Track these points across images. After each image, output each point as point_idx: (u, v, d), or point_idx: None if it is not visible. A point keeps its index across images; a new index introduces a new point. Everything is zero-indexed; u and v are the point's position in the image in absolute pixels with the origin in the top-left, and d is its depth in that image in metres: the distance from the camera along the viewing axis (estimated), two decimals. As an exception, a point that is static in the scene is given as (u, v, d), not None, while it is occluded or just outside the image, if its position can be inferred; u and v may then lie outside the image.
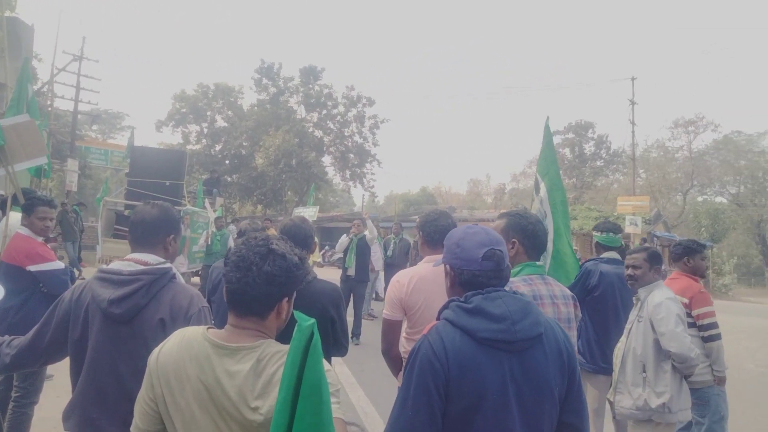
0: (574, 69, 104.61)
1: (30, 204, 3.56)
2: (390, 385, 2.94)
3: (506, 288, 1.65)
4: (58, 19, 41.80)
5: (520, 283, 2.28)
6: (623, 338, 3.33)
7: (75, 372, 1.92)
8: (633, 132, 27.99)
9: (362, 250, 8.21)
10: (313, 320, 1.07)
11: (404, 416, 1.49)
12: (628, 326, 3.32)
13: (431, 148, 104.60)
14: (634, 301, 3.36)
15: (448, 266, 1.70)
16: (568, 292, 2.47)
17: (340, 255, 8.83)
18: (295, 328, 1.06)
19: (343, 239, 8.52)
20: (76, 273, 11.94)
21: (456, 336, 1.51)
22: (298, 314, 1.09)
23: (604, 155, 39.85)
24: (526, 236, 2.39)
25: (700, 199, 40.32)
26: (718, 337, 3.53)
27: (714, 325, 3.54)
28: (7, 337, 1.98)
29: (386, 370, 2.81)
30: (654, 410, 3.04)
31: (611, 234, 4.20)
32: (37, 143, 4.43)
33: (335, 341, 2.56)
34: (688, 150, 38.05)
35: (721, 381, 3.53)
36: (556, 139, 37.44)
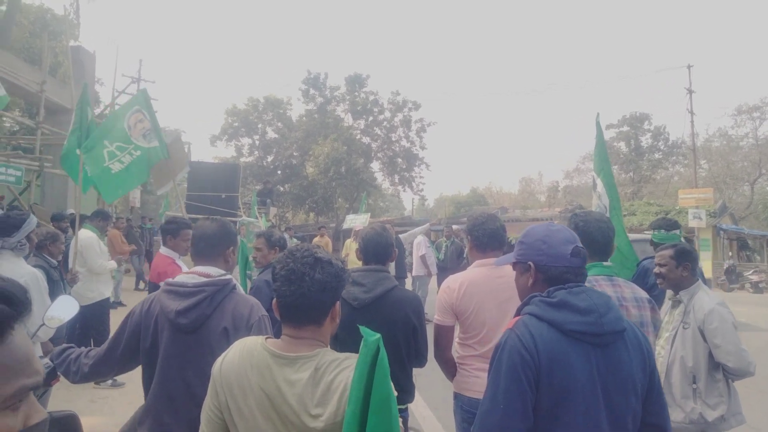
0: (625, 60, 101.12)
1: (176, 227, 3.88)
2: (446, 388, 2.95)
3: None
4: (116, 46, 43.98)
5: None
6: (663, 345, 3.10)
7: (147, 379, 2.04)
8: (692, 122, 26.73)
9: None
10: (378, 335, 1.10)
11: (496, 410, 1.49)
12: (668, 332, 3.10)
13: (480, 149, 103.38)
14: (673, 303, 3.19)
15: (531, 263, 1.69)
16: (643, 294, 2.39)
17: None
18: (362, 343, 1.10)
19: None
20: (142, 285, 12.54)
21: (543, 329, 1.52)
22: (363, 329, 1.13)
23: (662, 147, 38.20)
24: (582, 237, 2.35)
25: (769, 188, 37.97)
26: None
27: None
28: (84, 348, 2.12)
29: (442, 372, 2.82)
30: (710, 424, 2.85)
31: (662, 231, 4.06)
32: (182, 157, 4.94)
33: (416, 351, 2.54)
34: (754, 137, 35.86)
35: None
36: (610, 133, 36.24)
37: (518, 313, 1.65)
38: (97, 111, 20.63)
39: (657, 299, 3.73)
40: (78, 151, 5.06)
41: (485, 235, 2.72)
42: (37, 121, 13.33)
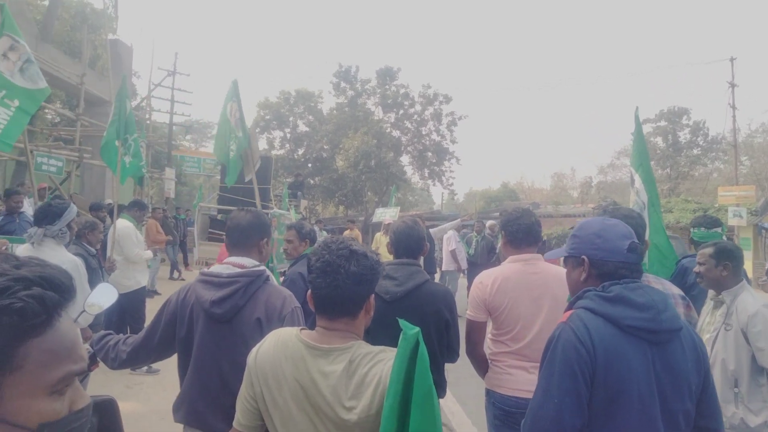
0: (662, 52, 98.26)
1: None
2: (477, 384, 2.92)
3: None
4: (153, 39, 44.93)
5: None
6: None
7: (182, 368, 2.07)
8: (734, 116, 25.80)
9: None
10: (417, 329, 1.09)
11: (549, 403, 1.47)
12: (709, 334, 2.99)
13: (511, 143, 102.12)
14: (714, 304, 3.07)
15: (584, 257, 1.66)
16: (675, 290, 2.34)
17: None
18: (401, 336, 1.09)
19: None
20: (176, 275, 12.82)
21: (599, 323, 1.50)
22: (402, 323, 1.12)
23: (701, 143, 37.02)
24: None
25: (815, 186, 36.44)
26: None
27: None
28: (122, 336, 2.17)
29: (472, 368, 2.79)
30: (753, 430, 2.74)
31: (702, 229, 3.93)
32: (256, 147, 5.44)
33: (448, 346, 2.50)
34: (800, 133, 34.51)
35: None
36: (647, 128, 35.23)
37: (570, 308, 1.62)
38: (134, 103, 21.14)
39: (697, 299, 3.61)
40: (117, 142, 5.20)
41: (520, 231, 2.68)
42: (77, 112, 13.73)
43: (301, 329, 1.51)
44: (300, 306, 2.02)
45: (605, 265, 1.61)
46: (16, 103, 4.08)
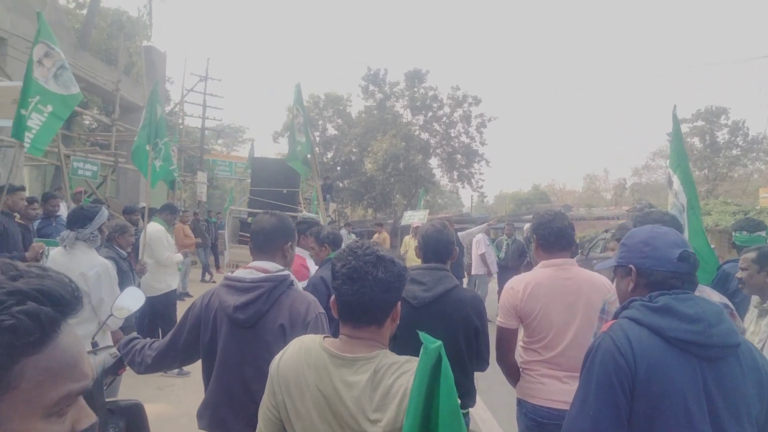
0: (700, 50, 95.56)
1: (306, 227, 4.14)
2: (508, 392, 2.83)
3: None
4: (185, 46, 45.86)
5: None
6: None
7: (206, 373, 2.05)
8: (776, 115, 24.84)
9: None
10: (439, 343, 1.02)
11: (584, 416, 1.41)
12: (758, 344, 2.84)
13: (541, 145, 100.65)
14: (759, 312, 2.90)
15: (632, 266, 1.59)
16: (717, 297, 2.21)
17: None
18: (421, 351, 1.03)
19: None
20: (208, 277, 13.00)
21: (643, 334, 1.42)
22: (423, 335, 1.06)
23: (740, 143, 35.79)
24: None
25: None
26: None
27: None
28: (149, 340, 2.16)
29: (503, 375, 2.71)
30: None
31: (745, 233, 3.76)
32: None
33: (478, 353, 2.42)
34: None
35: None
36: (683, 128, 34.32)
37: (615, 318, 1.55)
38: (167, 109, 21.60)
39: (739, 306, 3.44)
40: (148, 147, 5.28)
41: (552, 234, 2.58)
42: (113, 118, 14.08)
43: (324, 337, 1.47)
44: (324, 312, 1.98)
45: (653, 274, 1.53)
46: (50, 108, 4.18)
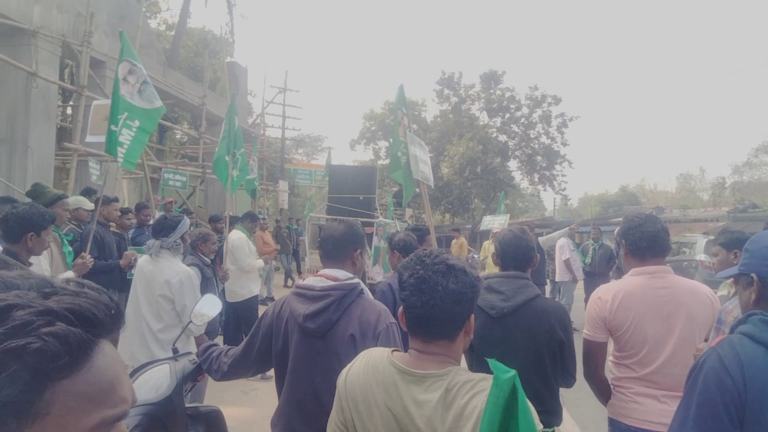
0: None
1: (421, 234, 4.10)
2: (597, 406, 2.62)
3: None
4: (265, 61, 47.80)
5: None
6: None
7: (279, 382, 2.03)
8: None
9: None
10: (513, 372, 0.90)
11: None
12: None
13: (628, 143, 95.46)
14: None
15: (753, 275, 1.42)
16: None
17: None
18: (492, 383, 0.91)
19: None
20: (290, 282, 13.36)
21: (758, 353, 1.25)
22: (493, 363, 0.93)
23: None
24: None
25: None
26: None
27: None
28: (226, 347, 2.18)
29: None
30: None
31: None
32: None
33: (563, 368, 2.24)
34: None
35: None
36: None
37: (732, 332, 1.37)
38: (249, 121, 22.54)
39: None
40: (227, 157, 5.48)
41: (643, 239, 2.34)
42: (200, 131, 14.86)
43: (393, 351, 1.38)
44: (396, 322, 1.90)
45: None
46: (137, 123, 4.43)
